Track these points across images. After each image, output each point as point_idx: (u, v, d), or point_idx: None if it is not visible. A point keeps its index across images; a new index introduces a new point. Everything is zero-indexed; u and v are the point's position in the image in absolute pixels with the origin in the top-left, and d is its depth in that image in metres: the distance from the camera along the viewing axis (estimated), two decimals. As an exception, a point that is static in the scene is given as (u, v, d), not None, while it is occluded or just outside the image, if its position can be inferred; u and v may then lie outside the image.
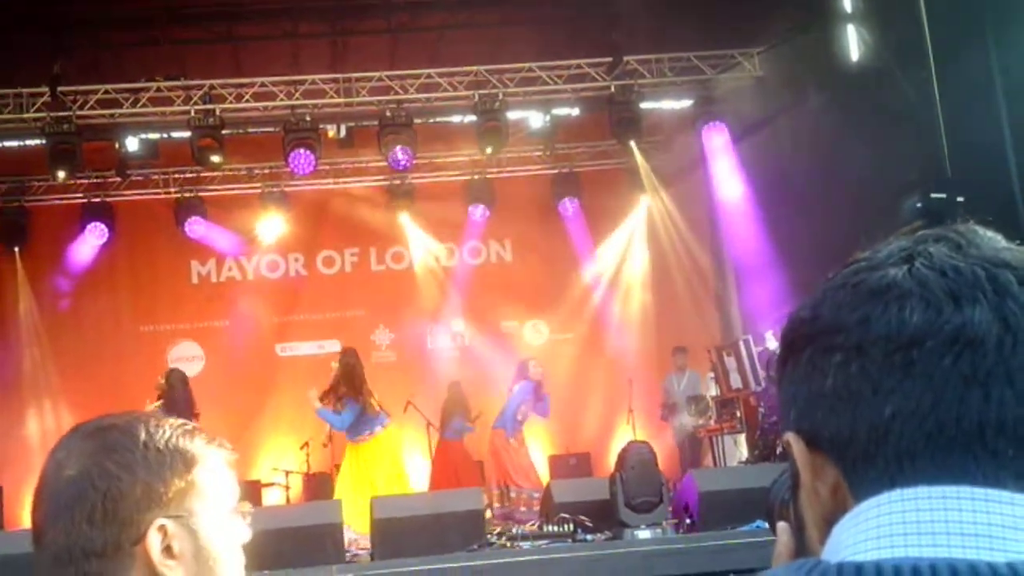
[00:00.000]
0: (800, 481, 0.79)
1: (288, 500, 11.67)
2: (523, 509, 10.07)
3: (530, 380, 10.36)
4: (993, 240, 0.78)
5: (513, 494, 10.51)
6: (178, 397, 9.24)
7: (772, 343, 10.69)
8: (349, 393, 9.50)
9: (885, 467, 0.73)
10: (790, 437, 0.79)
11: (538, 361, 10.69)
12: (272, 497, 11.95)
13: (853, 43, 9.72)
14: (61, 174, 10.96)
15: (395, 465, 9.85)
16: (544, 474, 11.37)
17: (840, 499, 0.76)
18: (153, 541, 1.22)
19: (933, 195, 8.54)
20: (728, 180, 11.31)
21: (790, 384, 0.79)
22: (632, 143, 11.56)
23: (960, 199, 8.42)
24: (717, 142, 11.28)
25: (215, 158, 11.11)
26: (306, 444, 11.57)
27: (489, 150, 11.26)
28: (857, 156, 9.20)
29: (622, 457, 8.68)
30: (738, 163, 11.14)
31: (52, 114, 10.73)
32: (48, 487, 1.26)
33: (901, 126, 8.96)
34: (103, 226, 12.47)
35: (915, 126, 8.88)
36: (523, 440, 10.74)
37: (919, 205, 8.49)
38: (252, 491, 11.80)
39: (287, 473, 11.80)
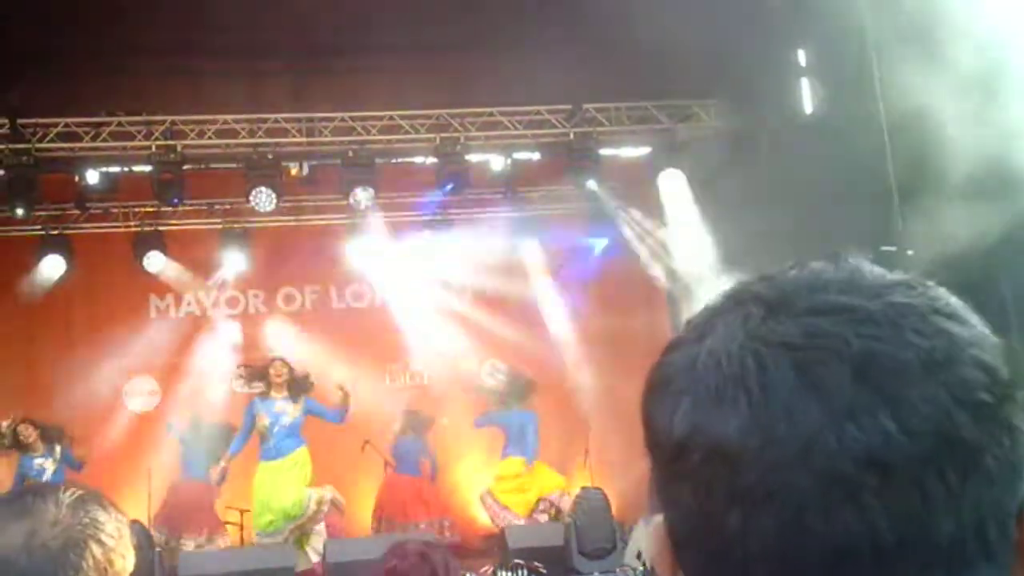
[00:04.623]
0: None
1: (242, 540, 11.55)
2: None
3: None
4: (821, 296, 0.63)
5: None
6: None
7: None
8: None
9: None
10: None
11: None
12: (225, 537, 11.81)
13: (807, 95, 9.91)
14: (20, 211, 10.87)
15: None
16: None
17: None
18: None
19: (882, 248, 8.67)
20: (682, 224, 11.41)
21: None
22: (592, 182, 11.52)
23: (909, 252, 8.55)
24: (674, 187, 11.40)
25: (175, 200, 11.15)
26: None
27: (450, 187, 11.28)
28: (808, 207, 9.31)
29: (575, 504, 8.74)
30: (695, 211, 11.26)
31: (10, 146, 10.67)
32: None
33: (853, 177, 9.08)
34: (60, 259, 12.36)
35: (866, 177, 9.00)
36: None
37: (869, 258, 8.59)
38: (206, 530, 11.65)
39: (242, 512, 11.68)
